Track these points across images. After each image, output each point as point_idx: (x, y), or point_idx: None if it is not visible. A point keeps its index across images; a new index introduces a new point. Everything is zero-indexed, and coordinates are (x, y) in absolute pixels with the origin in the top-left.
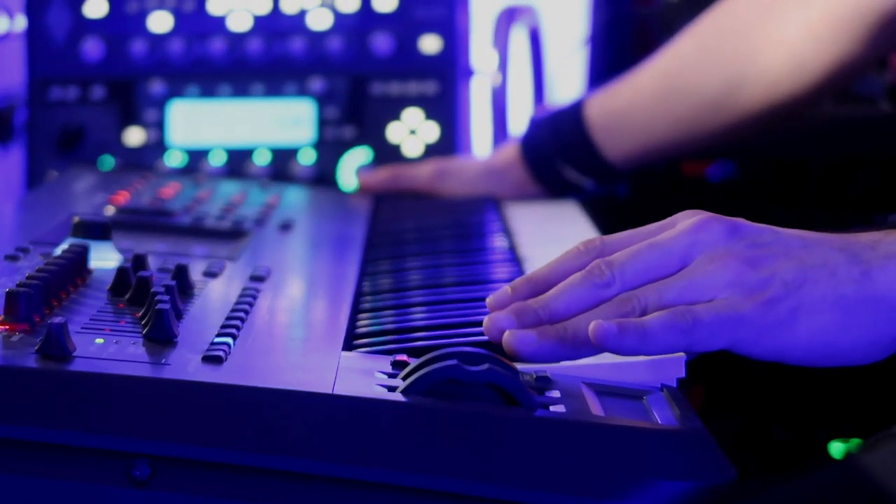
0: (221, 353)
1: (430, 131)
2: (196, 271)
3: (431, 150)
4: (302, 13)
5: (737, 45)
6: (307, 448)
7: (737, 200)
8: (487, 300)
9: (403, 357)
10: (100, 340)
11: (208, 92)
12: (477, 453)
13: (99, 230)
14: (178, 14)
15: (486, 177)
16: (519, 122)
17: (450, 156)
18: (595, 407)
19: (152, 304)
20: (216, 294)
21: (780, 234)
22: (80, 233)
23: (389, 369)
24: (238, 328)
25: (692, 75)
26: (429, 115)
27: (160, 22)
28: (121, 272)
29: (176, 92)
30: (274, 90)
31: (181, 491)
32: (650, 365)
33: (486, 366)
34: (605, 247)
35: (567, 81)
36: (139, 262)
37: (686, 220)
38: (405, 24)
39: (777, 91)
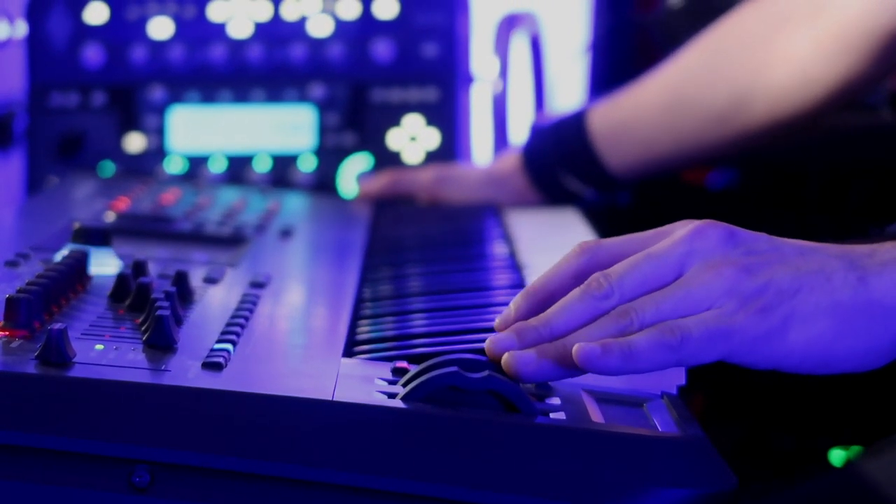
0: (221, 360)
1: (431, 138)
2: (196, 278)
3: (432, 157)
4: (302, 20)
5: (744, 60)
6: (307, 455)
7: (737, 208)
8: (495, 323)
9: (403, 364)
10: (100, 347)
11: (209, 98)
12: (477, 460)
13: (99, 236)
14: (178, 20)
15: (487, 184)
16: (519, 129)
17: (450, 162)
18: (595, 414)
19: (152, 310)
20: (216, 300)
21: (775, 241)
22: (80, 239)
23: (389, 376)
24: (238, 334)
25: (698, 89)
26: (429, 122)
27: (161, 28)
28: (121, 278)
29: (176, 98)
30: (274, 96)
31: (181, 497)
32: (650, 372)
33: (486, 373)
34: (601, 249)
35: (568, 89)
36: (139, 268)
37: (682, 229)
38: (406, 31)
39: (783, 106)
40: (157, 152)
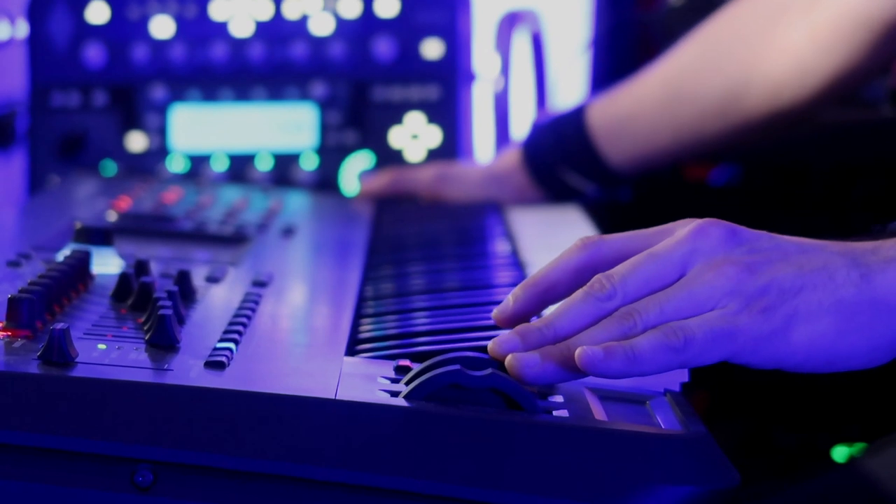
0: (224, 359)
1: (432, 136)
2: (198, 277)
3: (433, 155)
4: (304, 18)
5: (741, 52)
6: (310, 453)
7: (739, 205)
8: (493, 314)
9: (406, 362)
10: (102, 346)
11: (210, 97)
12: (480, 458)
13: (101, 236)
14: (179, 19)
15: (488, 182)
16: (521, 126)
17: (451, 160)
18: (598, 411)
19: (154, 309)
20: (218, 299)
21: (778, 239)
22: (82, 238)
23: (392, 374)
24: (240, 333)
25: (695, 81)
26: (431, 120)
27: (162, 27)
28: (123, 278)
29: (178, 97)
30: (276, 95)
31: (184, 497)
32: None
33: (489, 371)
34: (602, 245)
35: (569, 86)
36: (141, 267)
37: (684, 228)
38: (407, 29)
39: (781, 98)
40: (158, 151)
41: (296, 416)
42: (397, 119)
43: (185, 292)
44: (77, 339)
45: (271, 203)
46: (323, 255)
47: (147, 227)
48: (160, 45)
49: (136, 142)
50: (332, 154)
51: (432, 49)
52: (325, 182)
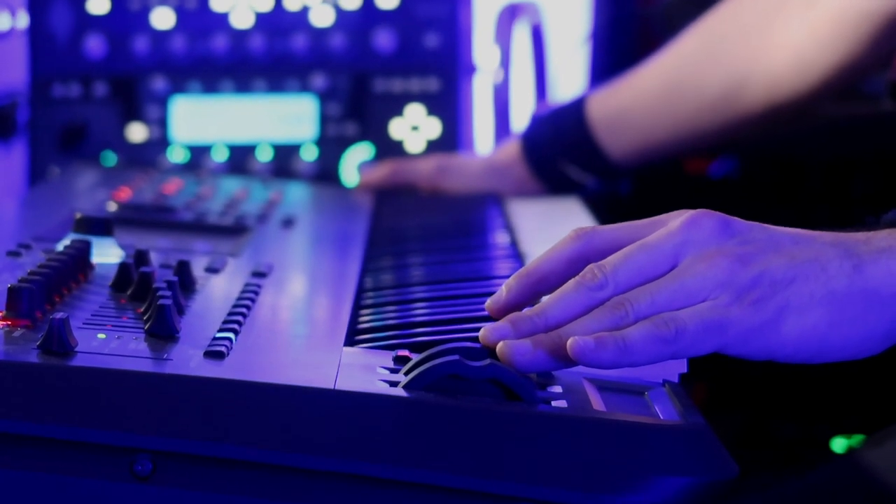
0: (223, 349)
1: (432, 128)
2: (198, 267)
3: (433, 147)
4: (304, 10)
5: (740, 46)
6: (309, 443)
7: (738, 198)
8: (486, 304)
9: (405, 352)
10: (102, 336)
11: (211, 88)
12: (479, 448)
13: (101, 226)
14: (180, 11)
15: (488, 173)
16: (521, 118)
17: (451, 152)
18: (597, 402)
19: (154, 299)
20: (218, 290)
21: (770, 230)
22: (82, 229)
23: (391, 365)
24: (240, 324)
25: (695, 75)
26: (431, 112)
27: (162, 18)
28: (123, 268)
29: (178, 88)
30: (276, 87)
31: (183, 486)
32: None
33: (487, 361)
34: (595, 235)
35: (569, 78)
36: (141, 257)
37: (676, 219)
38: (407, 21)
39: (780, 92)
40: (159, 142)
41: (295, 406)
42: (397, 111)
43: (184, 282)
44: (77, 328)
45: (271, 194)
46: (323, 245)
47: (147, 217)
48: (161, 37)
49: (137, 133)
50: (332, 145)
51: (433, 41)
52: (325, 173)
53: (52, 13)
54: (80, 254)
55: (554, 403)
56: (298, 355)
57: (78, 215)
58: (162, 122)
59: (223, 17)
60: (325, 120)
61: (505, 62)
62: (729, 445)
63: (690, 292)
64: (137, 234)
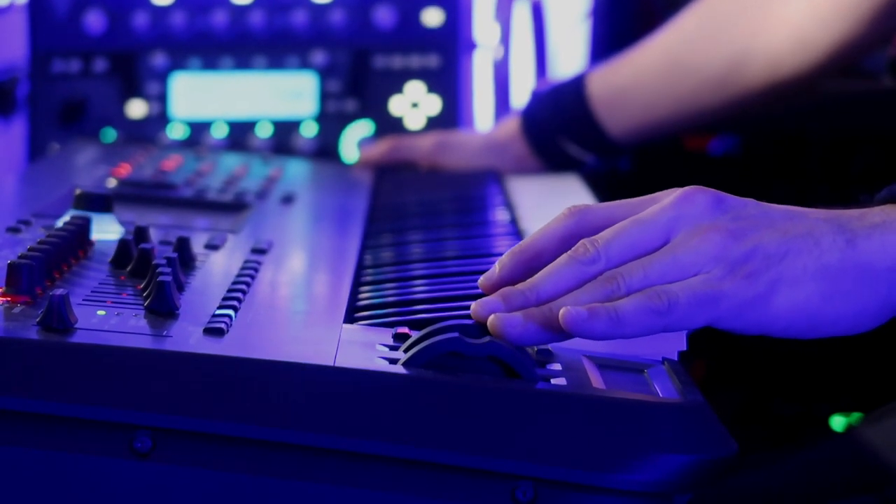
0: (223, 326)
1: (432, 104)
2: (198, 244)
3: (433, 124)
4: None
5: (740, 23)
6: (308, 420)
7: (738, 175)
8: (479, 281)
9: (405, 330)
10: (101, 312)
11: (210, 65)
12: (478, 426)
13: (101, 202)
14: None
15: (487, 150)
16: (521, 95)
17: (451, 129)
18: (596, 380)
19: (154, 276)
20: (218, 266)
21: (764, 206)
22: (81, 205)
23: (391, 342)
24: (240, 300)
25: (695, 52)
26: (431, 89)
27: None
28: (122, 244)
29: (178, 65)
30: (276, 63)
31: (183, 463)
32: (651, 338)
33: (487, 338)
34: (589, 213)
35: (569, 55)
36: (141, 234)
37: (670, 195)
38: None
39: (780, 70)
40: (158, 119)
41: (294, 383)
42: (397, 87)
43: (184, 259)
44: (76, 305)
45: (271, 171)
46: (322, 222)
47: (147, 194)
48: (161, 13)
49: (137, 109)
50: (332, 122)
51: (433, 17)
52: (325, 150)
53: None
54: (80, 230)
55: (553, 381)
56: (298, 332)
57: (78, 191)
58: (162, 99)
59: None
60: (325, 96)
61: (505, 39)
62: (728, 423)
63: (683, 266)
64: (137, 210)
